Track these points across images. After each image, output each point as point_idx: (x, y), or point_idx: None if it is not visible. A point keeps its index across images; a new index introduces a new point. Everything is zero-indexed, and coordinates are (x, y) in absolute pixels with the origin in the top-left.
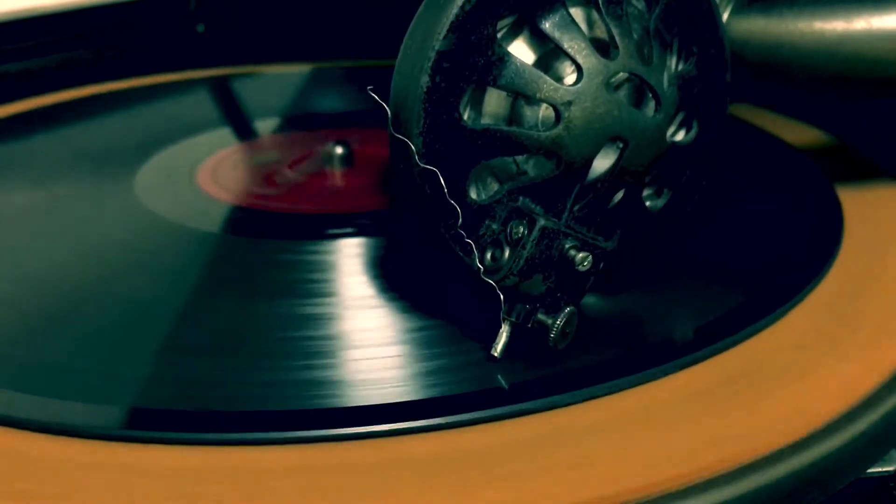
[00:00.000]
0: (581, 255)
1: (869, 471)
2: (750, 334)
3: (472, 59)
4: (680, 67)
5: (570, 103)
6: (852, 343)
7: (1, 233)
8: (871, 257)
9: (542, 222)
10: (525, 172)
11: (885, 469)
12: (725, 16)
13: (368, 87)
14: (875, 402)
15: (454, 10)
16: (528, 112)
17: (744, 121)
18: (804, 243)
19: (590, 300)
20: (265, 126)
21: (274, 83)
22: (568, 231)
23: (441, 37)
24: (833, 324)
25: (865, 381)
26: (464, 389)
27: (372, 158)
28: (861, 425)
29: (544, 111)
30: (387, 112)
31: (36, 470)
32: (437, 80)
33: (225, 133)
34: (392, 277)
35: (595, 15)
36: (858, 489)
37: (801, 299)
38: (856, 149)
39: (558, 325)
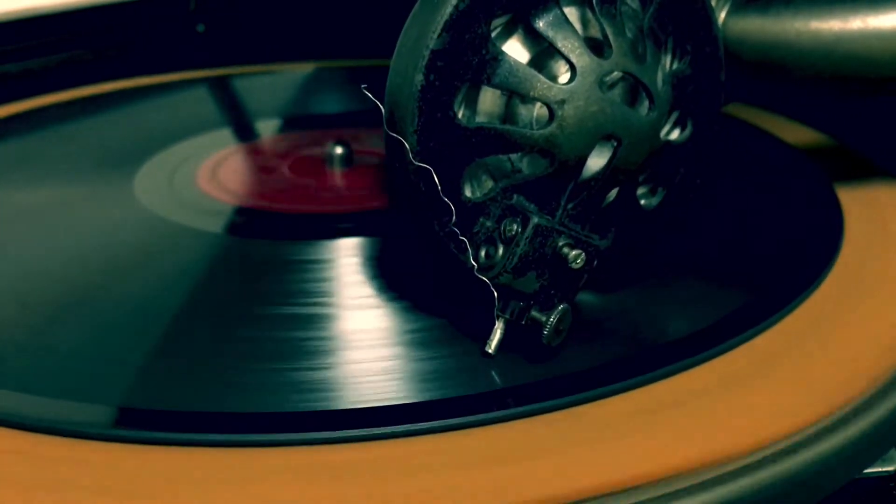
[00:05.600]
0: (574, 252)
1: (867, 471)
2: (749, 336)
3: (467, 58)
4: (674, 66)
5: (563, 102)
6: (852, 343)
7: (0, 232)
8: (871, 257)
9: (535, 220)
10: (519, 170)
11: (883, 469)
12: (722, 15)
13: (363, 86)
14: (874, 402)
15: (448, 9)
16: (522, 110)
17: (743, 121)
18: (804, 243)
19: (585, 298)
20: (265, 126)
21: (274, 83)
22: (561, 229)
23: (435, 35)
24: (833, 324)
25: (865, 380)
26: (462, 392)
27: (372, 158)
28: (860, 425)
29: (538, 110)
30: (381, 110)
31: (38, 471)
32: (432, 78)
33: (225, 133)
34: (391, 278)
35: (589, 14)
36: (857, 489)
37: (801, 300)
38: (855, 149)
39: (552, 322)
